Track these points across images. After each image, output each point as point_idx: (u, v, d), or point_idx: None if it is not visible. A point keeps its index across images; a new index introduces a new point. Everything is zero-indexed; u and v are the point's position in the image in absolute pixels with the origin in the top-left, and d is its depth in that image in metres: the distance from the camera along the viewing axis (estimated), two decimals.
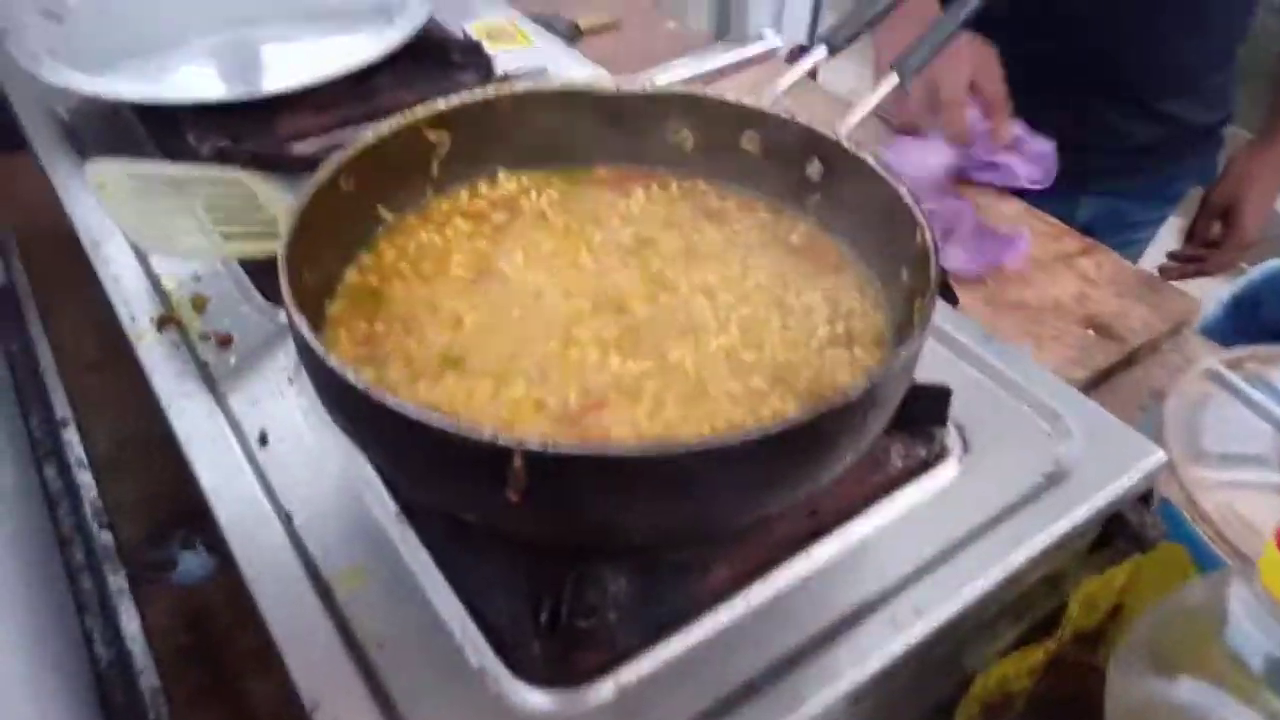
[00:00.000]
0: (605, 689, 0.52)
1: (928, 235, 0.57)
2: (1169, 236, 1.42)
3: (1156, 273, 1.25)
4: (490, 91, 0.70)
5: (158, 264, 0.78)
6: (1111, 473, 0.63)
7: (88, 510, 0.83)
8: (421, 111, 0.68)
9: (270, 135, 0.91)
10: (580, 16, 1.41)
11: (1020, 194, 1.17)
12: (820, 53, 0.74)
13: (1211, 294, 1.36)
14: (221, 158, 0.85)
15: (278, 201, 0.79)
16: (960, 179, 1.18)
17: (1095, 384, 0.97)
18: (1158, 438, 0.78)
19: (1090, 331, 1.01)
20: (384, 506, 0.60)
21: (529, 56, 1.04)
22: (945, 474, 0.63)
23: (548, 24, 1.14)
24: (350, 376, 0.46)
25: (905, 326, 0.60)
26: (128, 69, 0.97)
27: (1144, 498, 0.66)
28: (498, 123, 0.72)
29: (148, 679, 0.72)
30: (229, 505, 0.60)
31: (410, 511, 0.59)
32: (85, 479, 0.86)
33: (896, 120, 1.18)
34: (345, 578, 0.56)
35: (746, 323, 0.62)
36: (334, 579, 0.56)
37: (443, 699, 0.51)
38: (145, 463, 0.88)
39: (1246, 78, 1.27)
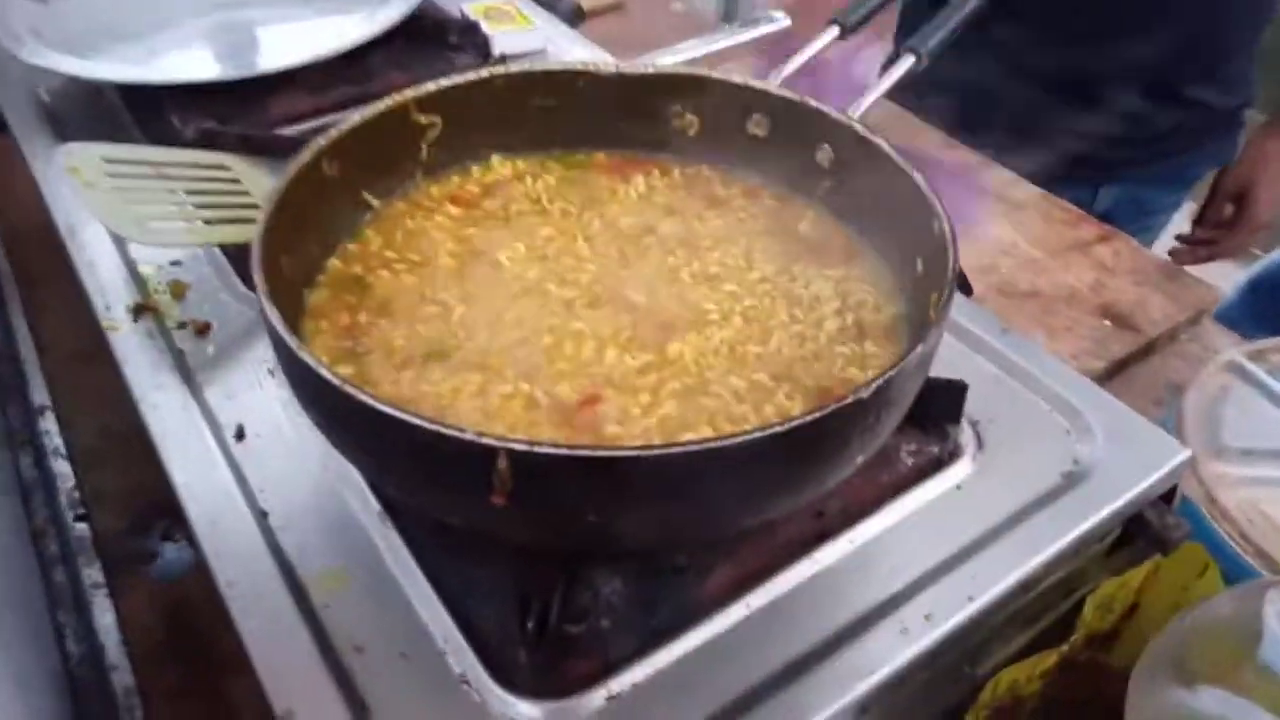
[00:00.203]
0: (596, 699, 0.49)
1: (945, 225, 0.53)
2: (1180, 220, 1.40)
3: (1168, 257, 1.22)
4: (483, 72, 0.67)
5: (135, 250, 0.75)
6: (1133, 472, 0.60)
7: (63, 501, 0.80)
8: (410, 93, 0.65)
9: (258, 118, 0.88)
10: None
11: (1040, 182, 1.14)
12: (831, 33, 0.71)
13: (1226, 280, 1.33)
14: (207, 141, 0.82)
15: (263, 186, 0.76)
16: None
17: (1111, 376, 0.94)
18: (1177, 432, 0.75)
19: (1106, 322, 0.97)
20: (365, 505, 0.57)
21: (529, 38, 1.00)
22: (959, 473, 0.60)
23: (549, 5, 1.11)
24: (324, 371, 0.43)
25: (919, 320, 0.57)
26: (113, 51, 0.94)
27: (1165, 497, 0.63)
28: (491, 105, 0.68)
29: (121, 677, 0.69)
30: (201, 502, 0.57)
31: (393, 511, 0.56)
32: (63, 469, 0.84)
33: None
34: (323, 580, 0.53)
35: (751, 315, 0.59)
36: (311, 581, 0.53)
37: (423, 709, 0.48)
38: (128, 453, 0.86)
39: (1265, 60, 1.25)
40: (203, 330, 0.69)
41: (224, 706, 0.68)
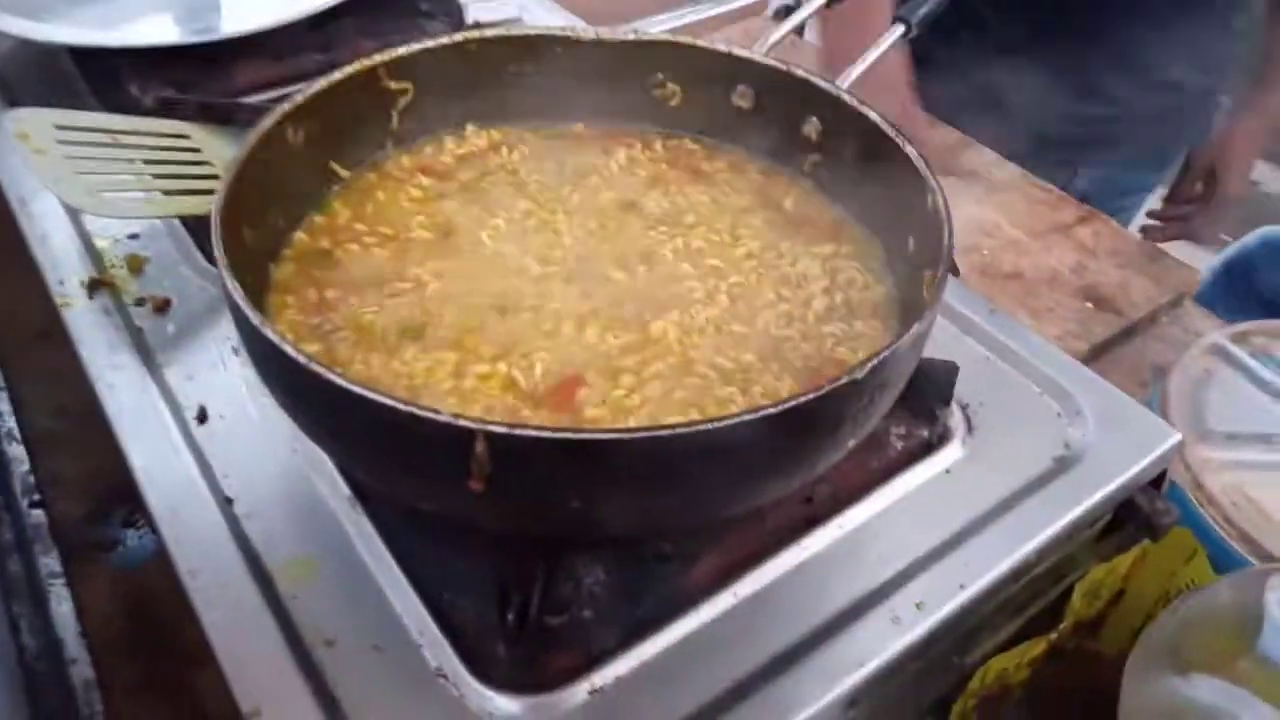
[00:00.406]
0: (578, 693, 0.47)
1: (940, 200, 0.52)
2: (1153, 201, 1.40)
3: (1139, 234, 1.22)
4: (457, 36, 0.64)
5: (90, 223, 0.72)
6: (1125, 456, 0.59)
7: (17, 486, 0.77)
8: (380, 57, 0.62)
9: (221, 86, 0.85)
10: None
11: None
12: (817, 1, 0.68)
13: (1198, 263, 1.34)
14: (166, 109, 0.78)
15: (224, 156, 0.72)
16: None
17: (1094, 358, 0.93)
18: (1161, 416, 0.74)
19: (1088, 304, 0.96)
20: (334, 490, 0.54)
21: (503, 6, 0.97)
22: (949, 457, 0.58)
23: None
24: (289, 349, 0.40)
25: (911, 299, 0.56)
26: (68, 13, 0.89)
27: (1154, 482, 0.62)
28: (465, 71, 0.65)
29: (80, 670, 0.66)
30: (162, 488, 0.54)
31: (363, 496, 0.54)
32: (17, 452, 0.80)
33: None
34: (290, 569, 0.51)
35: (737, 293, 0.57)
36: (278, 570, 0.51)
37: (397, 704, 0.46)
38: (86, 435, 0.82)
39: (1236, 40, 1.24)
40: (162, 307, 0.66)
41: (189, 699, 0.65)
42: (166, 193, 0.68)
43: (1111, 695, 0.55)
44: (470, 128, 0.68)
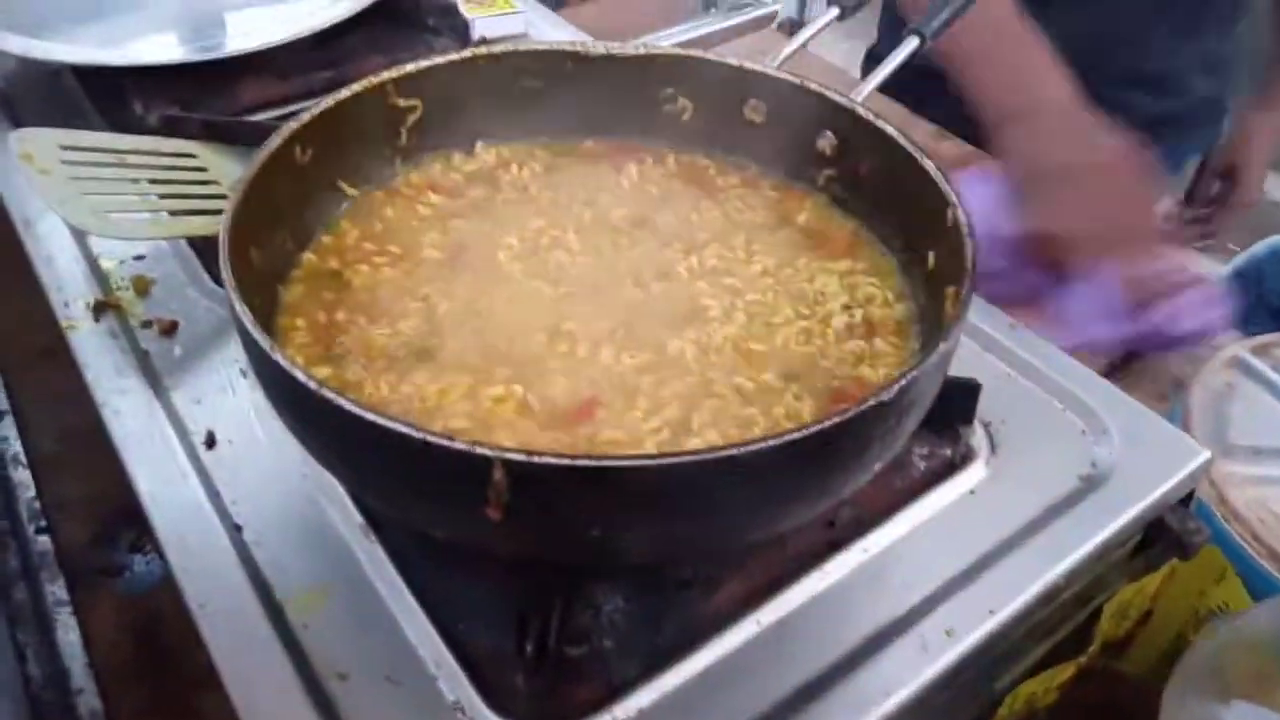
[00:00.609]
0: None
1: (960, 214, 0.50)
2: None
3: None
4: (466, 53, 0.63)
5: (96, 244, 0.71)
6: (1154, 474, 0.57)
7: (23, 512, 0.76)
8: (389, 74, 0.61)
9: (226, 104, 0.84)
10: None
11: None
12: (831, 14, 0.67)
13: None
14: (171, 127, 0.77)
15: (231, 175, 0.71)
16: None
17: (1112, 372, 0.91)
18: (1183, 431, 0.73)
19: None
20: (346, 518, 0.53)
21: (510, 21, 0.96)
22: (972, 477, 0.57)
23: None
24: (299, 374, 0.39)
25: (932, 315, 0.54)
26: (71, 32, 0.89)
27: (1183, 499, 0.61)
28: (474, 88, 0.64)
29: (88, 699, 0.65)
30: (170, 516, 0.53)
31: (376, 524, 0.52)
32: (23, 477, 0.79)
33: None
34: (302, 599, 0.49)
35: (754, 311, 0.56)
36: (289, 601, 0.49)
37: None
38: (91, 458, 0.81)
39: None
40: (169, 329, 0.64)
41: None
42: (173, 213, 0.67)
43: (1137, 716, 0.53)
44: (479, 145, 0.67)
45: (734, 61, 0.63)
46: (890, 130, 0.57)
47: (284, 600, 0.49)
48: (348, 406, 0.38)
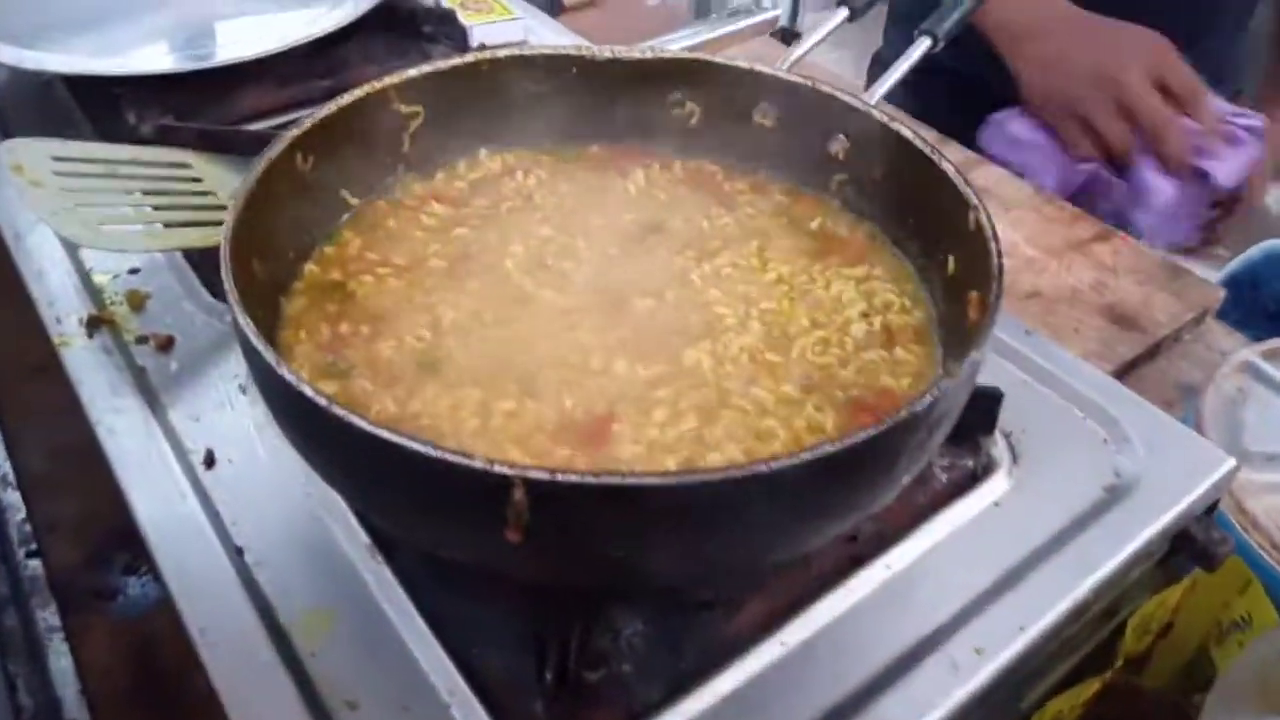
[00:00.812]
0: None
1: (983, 217, 0.49)
2: None
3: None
4: (469, 57, 0.62)
5: (89, 257, 0.69)
6: (1180, 484, 0.56)
7: (13, 535, 0.74)
8: (391, 79, 0.59)
9: (221, 113, 0.82)
10: None
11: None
12: (840, 15, 0.66)
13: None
14: (165, 137, 0.75)
15: (228, 186, 0.70)
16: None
17: (1119, 378, 0.90)
18: None
19: (1113, 324, 0.94)
20: (352, 538, 0.51)
21: (509, 28, 0.95)
22: (995, 489, 0.55)
23: None
24: (308, 390, 0.38)
25: (953, 322, 0.53)
26: (62, 41, 0.87)
27: (1208, 509, 0.59)
28: (477, 93, 0.63)
29: None
30: (168, 538, 0.51)
31: (383, 543, 0.50)
32: (12, 499, 0.77)
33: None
34: (308, 624, 0.47)
35: (769, 320, 0.54)
36: (294, 626, 0.47)
37: None
38: (83, 477, 0.79)
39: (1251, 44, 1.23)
40: (165, 345, 0.63)
41: None
42: (167, 225, 0.65)
43: None
44: (483, 152, 0.65)
45: (744, 64, 0.62)
46: (906, 133, 0.56)
47: (289, 625, 0.47)
48: (360, 424, 0.36)
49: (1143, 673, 0.71)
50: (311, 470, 0.51)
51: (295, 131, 0.53)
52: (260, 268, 0.50)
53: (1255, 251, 1.42)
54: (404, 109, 0.60)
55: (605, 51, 0.63)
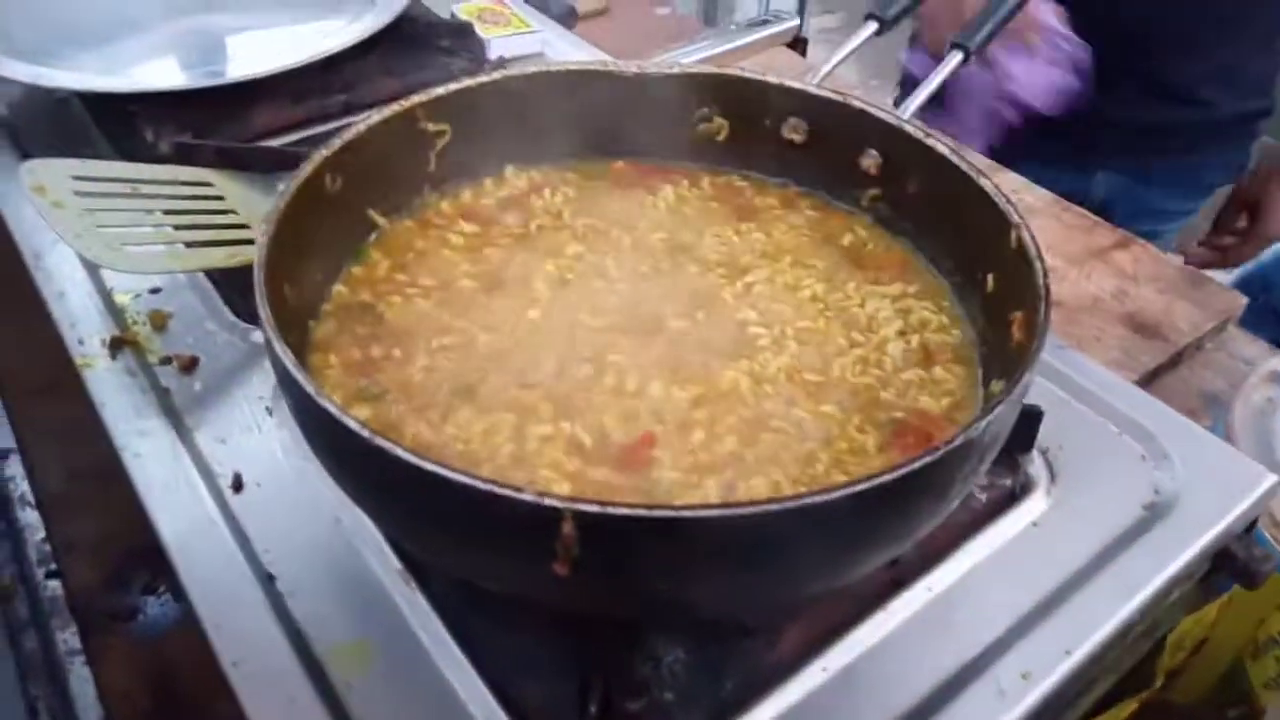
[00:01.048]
0: None
1: (1025, 235, 0.48)
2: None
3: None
4: (495, 75, 0.61)
5: (110, 277, 0.68)
6: (1220, 501, 0.55)
7: (32, 556, 0.73)
8: (418, 98, 0.58)
9: (239, 129, 0.81)
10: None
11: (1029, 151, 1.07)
12: (869, 29, 0.66)
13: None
14: (183, 155, 0.75)
15: (249, 203, 0.69)
16: None
17: (1142, 388, 0.90)
18: None
19: (1136, 334, 0.93)
20: (385, 565, 0.50)
21: (526, 41, 0.94)
22: (1034, 508, 0.55)
23: (541, 6, 1.05)
24: (351, 423, 0.37)
25: (993, 341, 0.52)
26: (77, 59, 0.86)
27: (1247, 527, 0.59)
28: (504, 110, 0.62)
29: None
30: (198, 566, 0.50)
31: (417, 570, 0.50)
32: (31, 518, 0.76)
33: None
34: (342, 655, 0.47)
35: (806, 339, 0.54)
36: (328, 656, 0.47)
37: None
38: (102, 496, 0.78)
39: None
40: (189, 365, 0.62)
41: None
42: (189, 244, 0.64)
43: None
44: (509, 169, 0.65)
45: (774, 79, 0.61)
46: (943, 149, 0.55)
47: (324, 657, 0.46)
48: (405, 456, 0.36)
49: (1174, 688, 0.70)
50: (342, 494, 0.51)
51: (324, 152, 0.52)
52: (291, 291, 0.49)
53: (1266, 255, 1.41)
54: (431, 127, 0.59)
55: (632, 67, 0.63)
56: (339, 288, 0.55)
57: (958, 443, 0.37)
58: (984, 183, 0.52)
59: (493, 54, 0.92)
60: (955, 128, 0.98)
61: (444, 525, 0.39)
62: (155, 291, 0.68)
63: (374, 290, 0.56)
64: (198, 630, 0.49)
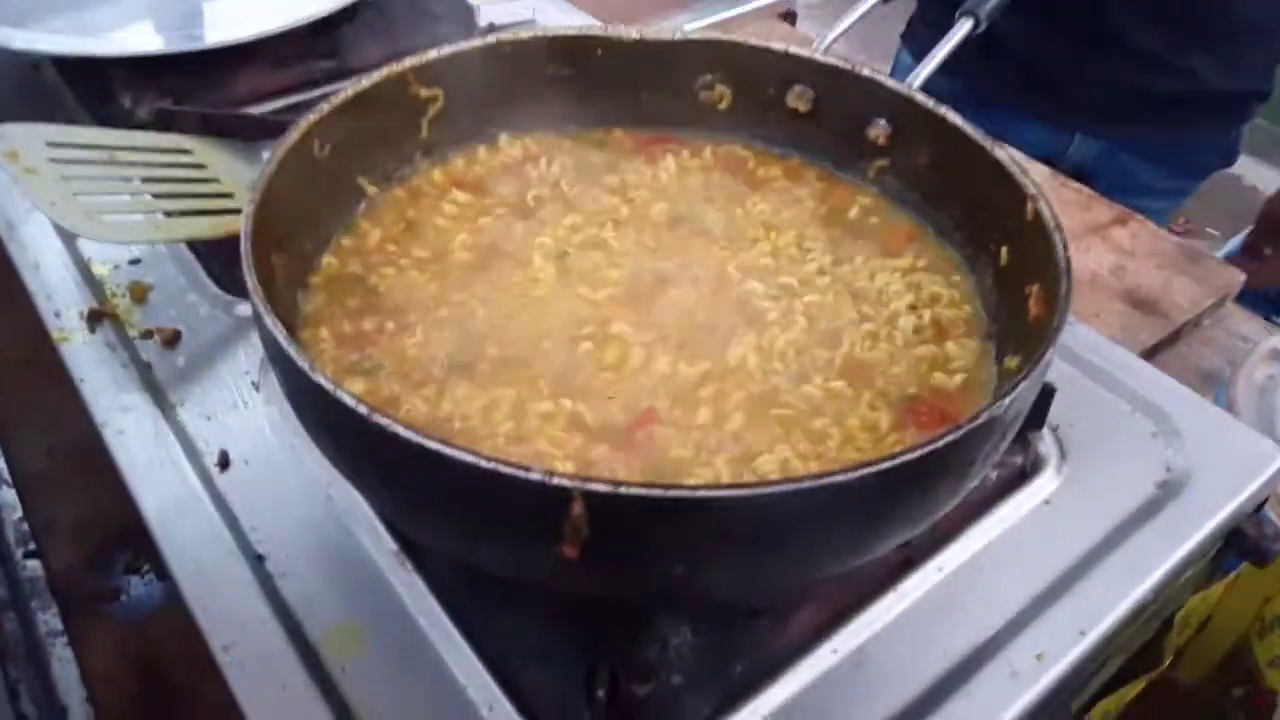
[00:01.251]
0: None
1: (1043, 207, 0.47)
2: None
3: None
4: (490, 39, 0.59)
5: (87, 248, 0.65)
6: (1233, 479, 0.54)
7: (10, 535, 0.71)
8: (410, 62, 0.56)
9: (221, 95, 0.79)
10: None
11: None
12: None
13: None
14: (163, 122, 0.72)
15: (232, 172, 0.67)
16: None
17: None
18: None
19: (1134, 310, 0.92)
20: (379, 545, 0.49)
21: (515, 7, 0.92)
22: (1045, 486, 0.54)
23: None
24: (346, 398, 0.35)
25: (1006, 314, 0.51)
26: (49, 21, 0.83)
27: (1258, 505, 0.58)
28: (499, 76, 0.60)
29: None
30: (184, 547, 0.48)
31: (412, 550, 0.48)
32: (8, 497, 0.74)
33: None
34: (336, 638, 0.45)
35: (814, 313, 0.52)
36: (322, 640, 0.45)
37: None
38: (83, 473, 0.76)
39: None
40: (171, 339, 0.60)
41: None
42: (169, 213, 0.62)
43: None
44: (503, 137, 0.62)
45: (778, 46, 0.59)
46: (956, 119, 0.53)
47: (317, 640, 0.45)
48: (404, 434, 0.34)
49: (1177, 667, 0.69)
50: (334, 472, 0.49)
51: (313, 117, 0.50)
52: (279, 261, 0.47)
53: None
54: (423, 92, 0.57)
55: (632, 33, 0.60)
56: (328, 259, 0.53)
57: (982, 420, 0.36)
58: (999, 153, 0.50)
59: (482, 20, 0.90)
60: None
61: (444, 506, 0.37)
62: (135, 262, 0.65)
63: (365, 262, 0.54)
64: (184, 611, 0.47)
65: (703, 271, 0.54)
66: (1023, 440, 0.54)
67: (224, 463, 0.53)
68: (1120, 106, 1.19)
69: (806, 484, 0.33)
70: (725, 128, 0.63)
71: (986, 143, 0.51)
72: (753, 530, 0.34)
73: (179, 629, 0.64)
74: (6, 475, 0.75)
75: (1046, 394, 0.54)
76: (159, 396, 0.56)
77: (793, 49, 0.59)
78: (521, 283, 0.53)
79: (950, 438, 0.35)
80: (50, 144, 0.61)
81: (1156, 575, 0.49)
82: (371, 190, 0.57)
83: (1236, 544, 0.56)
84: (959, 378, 0.49)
